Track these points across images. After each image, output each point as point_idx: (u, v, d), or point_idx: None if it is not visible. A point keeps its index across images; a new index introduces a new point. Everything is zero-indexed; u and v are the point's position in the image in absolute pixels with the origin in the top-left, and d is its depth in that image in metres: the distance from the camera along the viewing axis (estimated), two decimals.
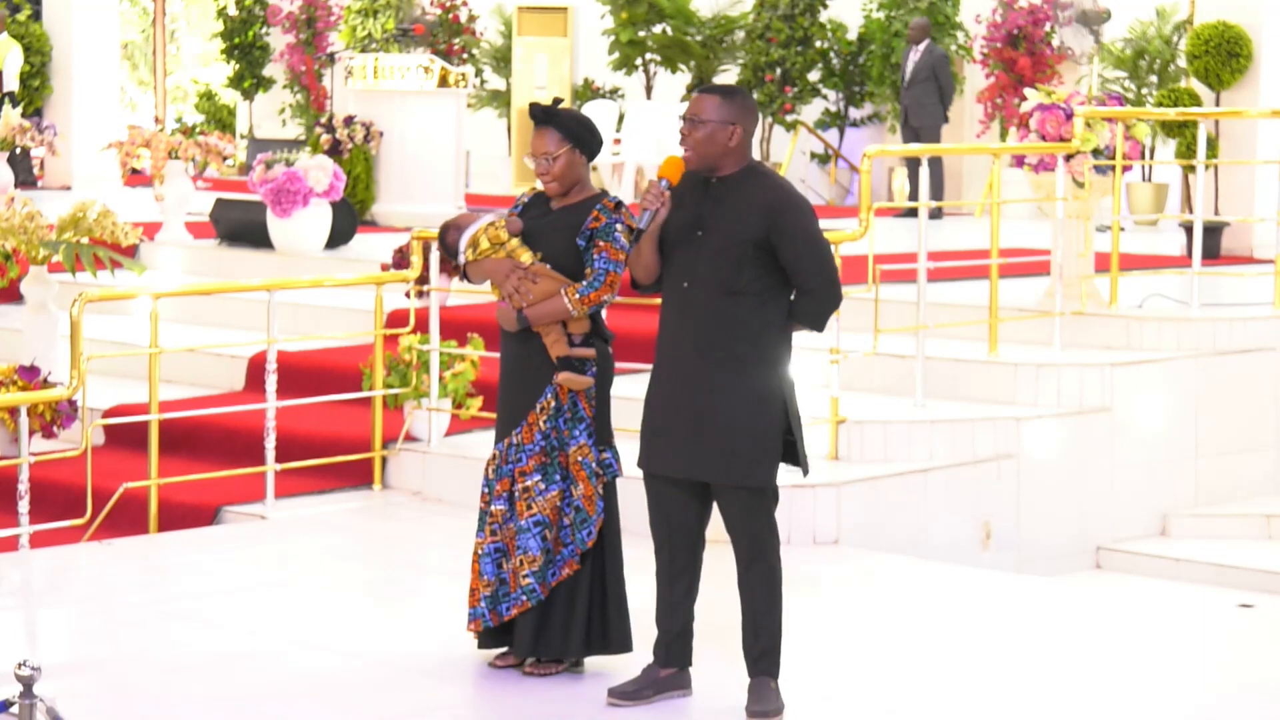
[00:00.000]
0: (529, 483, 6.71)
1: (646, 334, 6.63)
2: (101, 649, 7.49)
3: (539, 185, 6.84)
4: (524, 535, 6.69)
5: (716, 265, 6.19)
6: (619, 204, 6.73)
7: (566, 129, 6.71)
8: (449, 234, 6.96)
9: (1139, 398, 10.75)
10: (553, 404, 6.71)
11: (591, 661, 6.84)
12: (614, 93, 23.45)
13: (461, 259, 6.88)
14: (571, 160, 6.72)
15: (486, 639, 6.85)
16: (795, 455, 6.29)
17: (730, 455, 6.19)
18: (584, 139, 6.73)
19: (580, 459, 6.69)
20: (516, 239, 6.76)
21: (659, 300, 6.42)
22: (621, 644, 6.78)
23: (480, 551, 6.79)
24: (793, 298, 6.29)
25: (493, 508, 6.78)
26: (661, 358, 6.33)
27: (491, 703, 6.66)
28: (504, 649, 6.86)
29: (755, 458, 6.20)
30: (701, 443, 6.20)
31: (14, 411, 9.93)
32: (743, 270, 6.18)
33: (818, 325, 6.36)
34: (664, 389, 6.29)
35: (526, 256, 6.72)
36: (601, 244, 6.64)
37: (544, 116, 6.73)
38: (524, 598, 6.69)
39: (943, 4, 21.27)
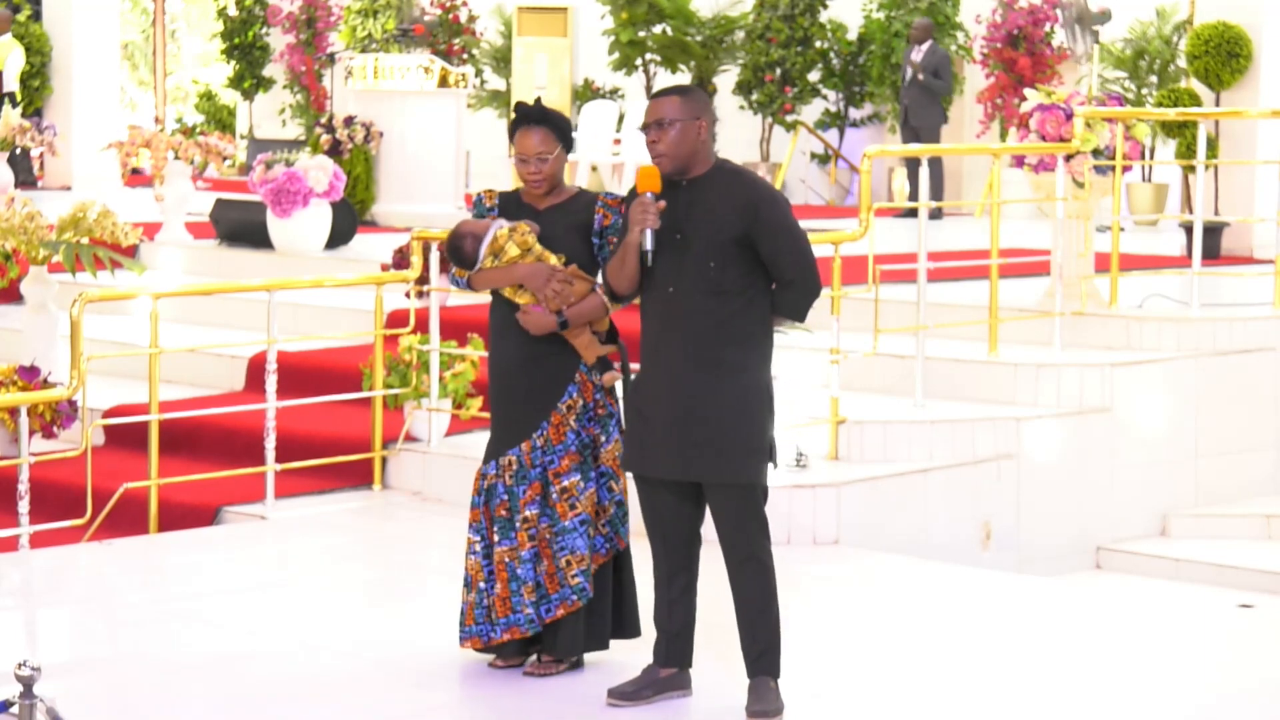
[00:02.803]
0: (567, 482, 6.66)
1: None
2: (101, 649, 7.50)
3: (495, 188, 6.83)
4: (570, 535, 6.65)
5: (701, 267, 6.18)
6: (621, 199, 6.72)
7: (559, 128, 6.72)
8: (466, 242, 6.72)
9: (1139, 398, 10.75)
10: (579, 403, 6.69)
11: (591, 661, 6.84)
12: (614, 93, 23.45)
13: (478, 266, 6.74)
14: (560, 159, 6.73)
15: (508, 648, 6.80)
16: (772, 450, 6.33)
17: (722, 453, 6.19)
18: (569, 137, 6.77)
19: (617, 454, 6.70)
20: (538, 243, 6.70)
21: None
22: (634, 628, 6.84)
23: (514, 559, 6.68)
24: (772, 290, 6.31)
25: (526, 513, 6.68)
26: (647, 362, 6.31)
27: (491, 703, 6.66)
28: (496, 651, 6.85)
29: (748, 454, 6.22)
30: (693, 443, 6.20)
31: (14, 411, 9.93)
32: (727, 269, 6.19)
33: (800, 316, 6.38)
34: (652, 392, 6.27)
35: (553, 259, 6.68)
36: (618, 240, 6.62)
37: (539, 116, 6.72)
38: (574, 597, 6.66)
39: (943, 4, 21.27)
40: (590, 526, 6.69)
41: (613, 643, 6.85)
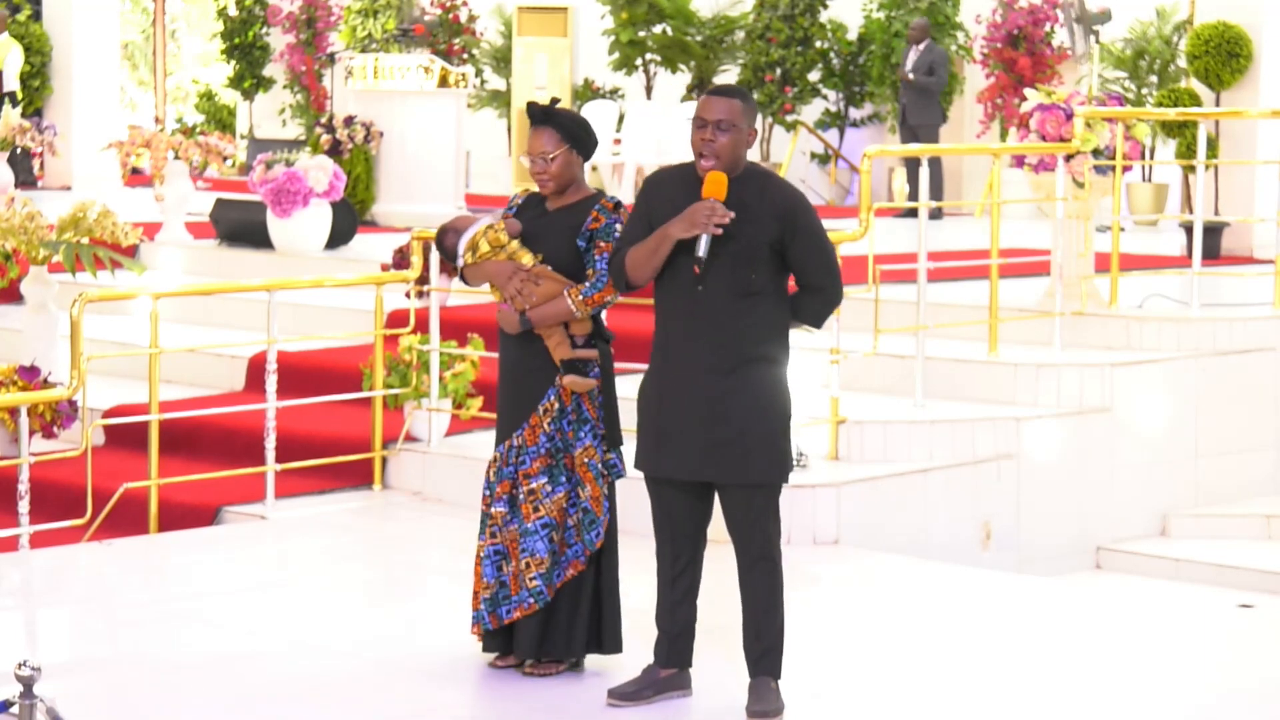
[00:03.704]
0: (534, 485, 6.68)
1: (647, 334, 6.60)
2: (101, 649, 7.50)
3: (532, 186, 6.84)
4: (531, 538, 6.67)
5: (734, 268, 6.17)
6: (618, 204, 6.72)
7: (565, 129, 6.70)
8: (447, 237, 6.93)
9: (1139, 398, 10.75)
10: (556, 406, 6.69)
11: (591, 661, 6.84)
12: (614, 93, 23.45)
13: (460, 262, 6.86)
14: (569, 160, 6.70)
15: (492, 642, 6.83)
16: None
17: (749, 454, 6.19)
18: (581, 139, 6.72)
19: (587, 460, 6.69)
20: (516, 241, 6.75)
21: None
22: (614, 644, 6.80)
23: (481, 554, 6.78)
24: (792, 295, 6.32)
25: (493, 510, 6.75)
26: (668, 362, 6.27)
27: (491, 703, 6.66)
28: (493, 649, 6.86)
29: (774, 455, 6.23)
30: (719, 444, 6.19)
31: (14, 411, 9.93)
32: (758, 271, 6.20)
33: (819, 322, 6.41)
34: (673, 393, 6.24)
35: (527, 258, 6.71)
36: (603, 245, 6.62)
37: (542, 116, 6.72)
38: (530, 600, 6.67)
39: (943, 4, 21.28)
40: (554, 531, 6.67)
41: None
